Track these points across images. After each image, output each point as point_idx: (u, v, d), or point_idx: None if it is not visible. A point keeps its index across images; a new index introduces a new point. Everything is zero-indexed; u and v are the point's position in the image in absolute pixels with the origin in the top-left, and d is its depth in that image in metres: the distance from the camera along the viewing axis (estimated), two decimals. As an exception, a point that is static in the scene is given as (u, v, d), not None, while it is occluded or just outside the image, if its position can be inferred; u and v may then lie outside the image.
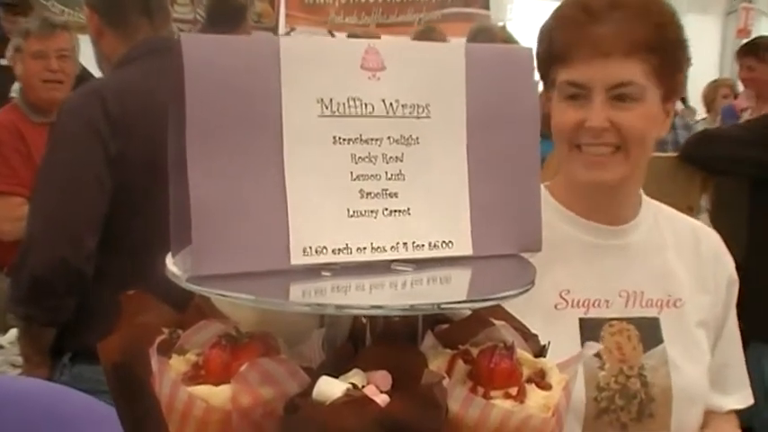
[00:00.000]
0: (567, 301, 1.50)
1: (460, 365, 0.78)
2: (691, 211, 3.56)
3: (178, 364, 0.77)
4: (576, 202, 1.56)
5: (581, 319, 1.46)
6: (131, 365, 0.81)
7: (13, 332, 2.72)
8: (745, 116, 4.13)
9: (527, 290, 0.78)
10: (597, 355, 1.46)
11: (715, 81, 6.77)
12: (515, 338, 0.82)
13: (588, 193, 1.54)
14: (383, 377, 0.73)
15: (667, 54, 1.47)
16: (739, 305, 3.47)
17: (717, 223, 3.51)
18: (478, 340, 0.82)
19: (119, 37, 2.52)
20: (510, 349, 0.78)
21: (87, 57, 3.06)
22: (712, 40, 9.99)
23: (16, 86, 3.46)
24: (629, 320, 1.52)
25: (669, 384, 1.50)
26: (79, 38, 3.37)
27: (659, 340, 1.52)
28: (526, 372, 0.79)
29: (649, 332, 1.53)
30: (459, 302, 0.76)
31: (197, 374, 0.76)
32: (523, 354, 0.81)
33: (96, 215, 2.38)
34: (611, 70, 1.41)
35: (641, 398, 1.50)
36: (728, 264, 1.65)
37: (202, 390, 0.74)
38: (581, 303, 1.52)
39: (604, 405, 1.48)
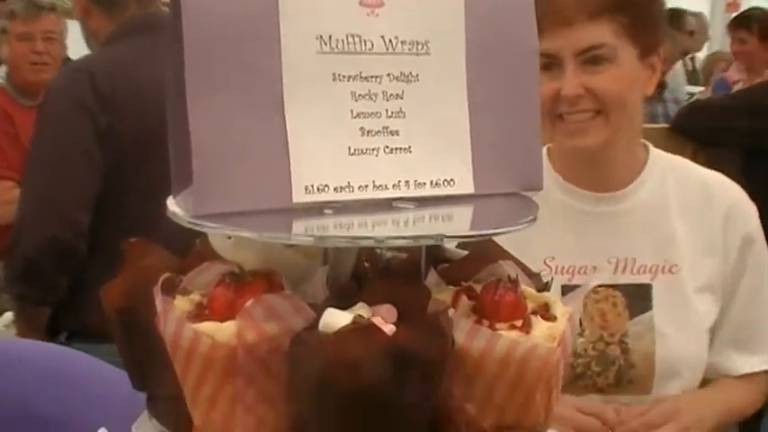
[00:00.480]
0: (550, 268, 1.51)
1: (464, 301, 0.78)
2: (681, 182, 3.56)
3: (182, 304, 0.77)
4: (567, 170, 1.56)
5: (563, 286, 1.45)
6: (135, 309, 0.80)
7: (8, 315, 2.71)
8: (738, 89, 4.14)
9: (530, 224, 0.78)
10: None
11: (713, 54, 6.76)
12: (519, 274, 0.82)
13: (576, 160, 1.54)
14: (388, 310, 0.73)
15: (639, 10, 1.47)
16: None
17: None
18: (481, 277, 0.82)
19: (106, 15, 2.50)
20: (514, 282, 0.78)
21: (74, 43, 3.05)
22: (702, 14, 9.97)
23: (1, 70, 3.44)
24: (617, 287, 1.52)
25: (652, 351, 1.50)
26: (67, 23, 3.35)
27: (647, 307, 1.52)
28: (530, 305, 0.79)
29: (638, 299, 1.53)
30: (462, 234, 0.75)
31: (201, 313, 0.76)
32: (527, 288, 0.81)
33: (87, 193, 2.37)
34: (578, 36, 1.42)
35: (620, 364, 1.50)
36: (747, 220, 1.60)
37: (207, 326, 0.73)
38: (566, 270, 1.52)
39: (580, 371, 1.49)
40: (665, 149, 3.62)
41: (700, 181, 1.61)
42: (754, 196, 3.46)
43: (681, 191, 1.59)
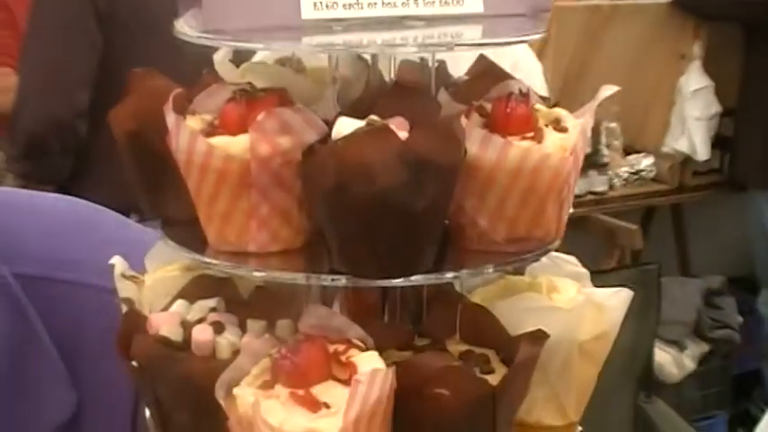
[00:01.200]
0: None
1: (475, 117, 0.78)
2: (683, 58, 3.54)
3: (193, 123, 0.77)
4: None
5: None
6: (145, 131, 0.80)
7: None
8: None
9: (543, 34, 0.78)
10: None
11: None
12: (529, 89, 0.82)
13: None
14: (401, 122, 0.73)
15: None
16: (734, 153, 3.45)
17: (710, 70, 3.50)
18: (491, 96, 0.81)
19: None
20: (525, 96, 0.78)
21: None
22: None
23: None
24: None
25: None
26: None
27: None
28: (542, 121, 0.79)
29: None
30: (474, 43, 0.75)
31: (213, 131, 0.76)
32: (538, 105, 0.81)
33: (87, 71, 2.36)
34: None
35: None
36: (529, 76, 1.62)
37: (221, 140, 0.74)
38: None
39: None
40: (667, 25, 3.58)
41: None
42: (756, 70, 3.43)
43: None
